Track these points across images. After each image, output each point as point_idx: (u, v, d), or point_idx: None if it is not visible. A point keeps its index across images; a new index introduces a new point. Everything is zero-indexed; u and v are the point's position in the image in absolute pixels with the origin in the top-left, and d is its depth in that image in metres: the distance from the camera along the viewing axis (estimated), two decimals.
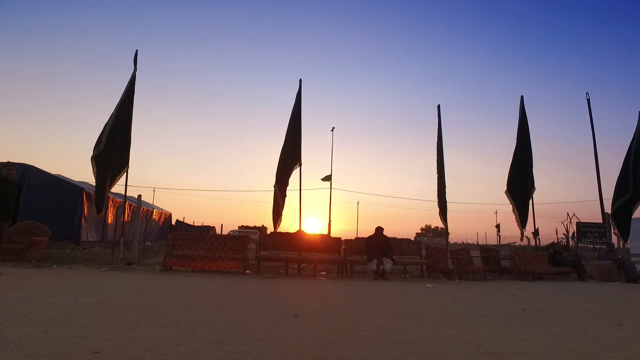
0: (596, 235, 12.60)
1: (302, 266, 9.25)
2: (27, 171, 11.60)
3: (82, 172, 24.04)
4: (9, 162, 6.38)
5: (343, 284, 7.33)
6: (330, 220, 24.02)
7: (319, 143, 78.36)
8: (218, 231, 27.89)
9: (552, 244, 17.27)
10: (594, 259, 11.50)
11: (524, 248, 16.83)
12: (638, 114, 12.54)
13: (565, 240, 19.44)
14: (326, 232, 22.13)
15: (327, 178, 21.56)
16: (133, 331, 2.84)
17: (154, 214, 18.16)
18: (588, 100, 13.31)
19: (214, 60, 73.71)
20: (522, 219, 11.66)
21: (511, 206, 11.78)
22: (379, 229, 9.04)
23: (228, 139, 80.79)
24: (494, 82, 73.63)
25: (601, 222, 12.76)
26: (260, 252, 8.84)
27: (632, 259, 10.75)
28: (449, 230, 12.31)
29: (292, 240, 9.27)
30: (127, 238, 12.48)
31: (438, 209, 11.61)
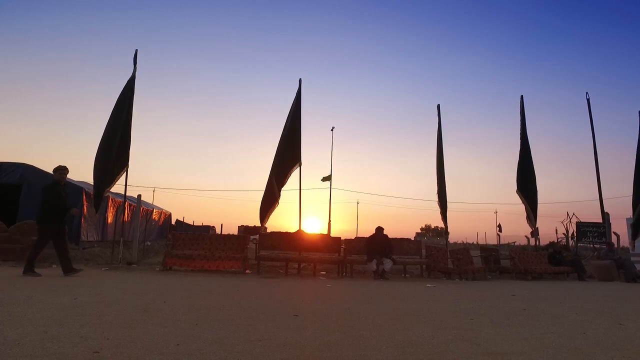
0: (596, 235, 12.59)
1: (302, 266, 9.25)
2: (27, 171, 11.59)
3: (82, 172, 23.99)
4: (60, 166, 6.46)
5: (343, 283, 7.33)
6: (330, 220, 24.02)
7: (319, 143, 78.30)
8: (218, 231, 27.88)
9: (552, 244, 17.28)
10: (594, 259, 11.50)
11: (523, 248, 16.84)
12: (638, 113, 12.56)
13: (565, 240, 19.43)
14: (326, 232, 22.13)
15: (327, 178, 21.54)
16: (133, 331, 2.84)
17: (154, 213, 18.16)
18: (588, 100, 13.32)
19: (214, 60, 73.72)
20: (534, 216, 11.73)
21: (523, 205, 11.84)
22: (379, 229, 9.03)
23: (228, 139, 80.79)
24: (494, 82, 73.62)
25: (601, 221, 12.76)
26: (260, 252, 8.84)
27: (632, 258, 10.75)
28: (448, 230, 12.31)
29: (292, 240, 9.26)
30: (127, 238, 12.47)
31: (439, 209, 11.60)
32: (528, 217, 11.81)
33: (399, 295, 5.83)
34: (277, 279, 7.49)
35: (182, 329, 2.97)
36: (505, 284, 8.58)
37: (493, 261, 10.50)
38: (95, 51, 64.49)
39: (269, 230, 10.88)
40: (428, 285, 7.52)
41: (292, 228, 11.77)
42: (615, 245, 11.52)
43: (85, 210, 11.24)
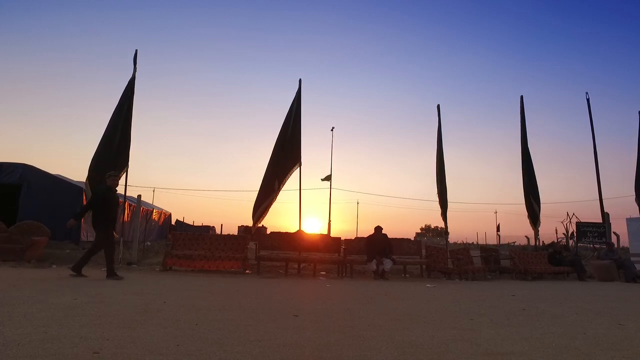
0: (596, 235, 12.60)
1: (301, 266, 9.25)
2: (26, 171, 11.60)
3: (82, 172, 23.85)
4: (112, 172, 6.60)
5: (343, 283, 7.34)
6: (330, 220, 24.02)
7: (319, 143, 78.29)
8: (218, 231, 27.86)
9: (552, 244, 17.28)
10: (594, 259, 11.50)
11: (523, 248, 16.84)
12: (638, 113, 12.57)
13: (565, 240, 19.43)
14: (326, 232, 22.12)
15: (327, 178, 21.54)
16: (133, 331, 2.84)
17: (154, 213, 18.15)
18: (588, 100, 13.33)
19: (214, 60, 73.70)
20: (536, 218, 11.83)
21: (526, 209, 11.96)
22: (378, 229, 9.03)
23: (228, 139, 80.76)
24: (494, 82, 73.59)
25: (601, 222, 12.77)
26: (260, 252, 8.84)
27: (632, 258, 10.76)
28: (448, 230, 12.32)
29: (292, 240, 9.26)
30: (127, 238, 12.46)
31: (440, 209, 11.60)
32: (532, 219, 11.87)
33: (399, 296, 5.83)
34: (277, 279, 7.49)
35: (182, 329, 2.97)
36: (505, 284, 8.58)
37: (493, 261, 10.50)
38: (95, 51, 64.44)
39: (268, 231, 10.85)
40: (428, 285, 7.52)
41: (292, 228, 11.78)
42: (615, 245, 11.52)
43: None
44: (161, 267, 8.14)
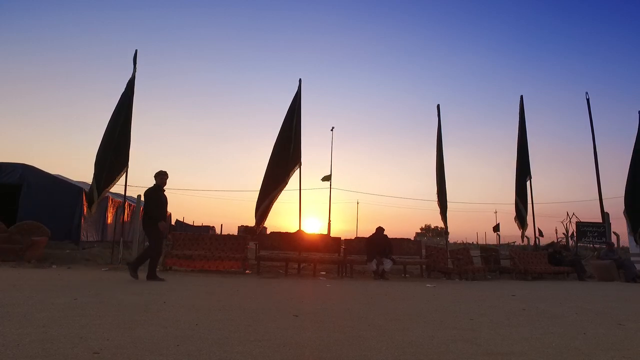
0: (596, 234, 12.60)
1: (301, 266, 9.25)
2: (26, 171, 11.59)
3: (82, 172, 23.93)
4: (161, 171, 6.53)
5: (343, 283, 7.33)
6: (330, 220, 24.03)
7: (319, 143, 78.27)
8: (218, 231, 27.85)
9: (552, 244, 17.27)
10: (594, 259, 11.51)
11: (523, 248, 16.83)
12: (638, 113, 12.57)
13: (564, 240, 19.42)
14: (326, 232, 22.10)
15: (327, 178, 21.51)
16: (133, 331, 2.83)
17: None
18: (588, 100, 13.33)
19: (213, 60, 73.71)
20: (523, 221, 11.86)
21: (514, 211, 11.98)
22: (380, 229, 9.03)
23: (228, 139, 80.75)
24: (493, 82, 73.63)
25: (601, 221, 12.77)
26: (260, 252, 8.84)
27: (632, 258, 10.76)
28: (448, 230, 12.32)
29: (292, 240, 9.26)
30: (127, 238, 12.47)
31: (439, 209, 11.60)
32: (519, 220, 11.92)
33: (399, 296, 5.83)
34: (277, 279, 7.49)
35: (182, 329, 2.97)
36: (505, 284, 8.58)
37: (493, 261, 10.50)
38: (95, 51, 64.47)
39: (268, 231, 10.84)
40: (428, 285, 7.52)
41: (292, 228, 11.77)
42: (615, 245, 11.52)
43: (85, 210, 11.24)
44: (161, 268, 8.14)
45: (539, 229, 12.50)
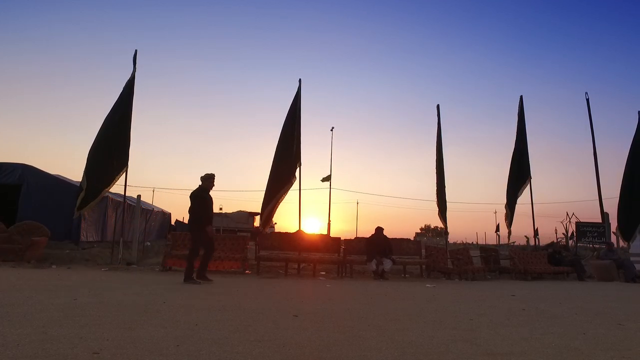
0: (595, 235, 12.61)
1: (301, 266, 9.25)
2: (26, 171, 11.60)
3: (82, 172, 23.85)
4: (209, 174, 6.50)
5: (343, 284, 7.33)
6: (329, 220, 24.02)
7: (319, 143, 78.34)
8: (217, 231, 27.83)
9: (552, 244, 17.30)
10: (594, 259, 11.51)
11: (523, 248, 16.84)
12: (638, 113, 12.57)
13: (564, 240, 19.46)
14: (326, 232, 22.08)
15: (327, 178, 21.49)
16: (132, 331, 2.83)
17: (154, 214, 18.15)
18: (587, 100, 13.33)
19: (213, 60, 73.74)
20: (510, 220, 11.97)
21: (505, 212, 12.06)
22: (379, 229, 9.04)
23: (228, 138, 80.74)
24: (493, 82, 73.70)
25: (600, 221, 12.77)
26: (260, 252, 8.84)
27: (632, 258, 10.76)
28: (448, 230, 12.33)
29: (292, 240, 9.26)
30: (127, 238, 12.46)
31: (437, 209, 11.61)
32: (508, 220, 12.01)
33: (399, 296, 5.83)
34: (276, 279, 7.49)
35: (182, 329, 2.97)
36: (504, 284, 8.58)
37: (493, 261, 10.50)
38: (95, 51, 64.47)
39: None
40: (428, 285, 7.52)
41: (292, 228, 11.78)
42: (615, 245, 11.53)
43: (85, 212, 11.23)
44: (161, 268, 8.14)
45: (536, 228, 12.51)
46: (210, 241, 6.41)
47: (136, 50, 9.76)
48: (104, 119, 9.38)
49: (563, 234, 20.07)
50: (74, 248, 10.36)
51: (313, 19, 69.99)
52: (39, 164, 14.00)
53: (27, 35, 59.11)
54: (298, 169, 10.48)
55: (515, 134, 12.73)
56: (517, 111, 12.75)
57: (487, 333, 3.28)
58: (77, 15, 60.38)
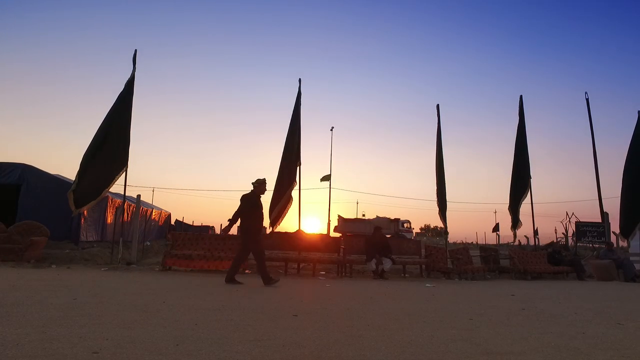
0: (595, 234, 12.61)
1: (301, 266, 9.25)
2: (26, 171, 11.59)
3: None
4: (260, 179, 6.57)
5: (342, 283, 7.33)
6: (329, 220, 24.05)
7: (319, 143, 78.42)
8: (217, 231, 27.83)
9: (551, 244, 17.31)
10: (593, 259, 11.52)
11: (522, 247, 16.85)
12: (638, 113, 12.57)
13: (564, 240, 19.46)
14: (325, 232, 22.10)
15: (326, 178, 21.52)
16: (132, 331, 2.84)
17: (153, 213, 18.16)
18: (587, 100, 13.33)
19: (213, 60, 73.80)
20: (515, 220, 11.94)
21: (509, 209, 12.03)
22: (378, 229, 9.04)
23: (228, 138, 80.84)
24: (493, 82, 73.76)
25: (600, 221, 12.78)
26: None
27: (631, 258, 10.77)
28: (448, 230, 12.33)
29: (292, 240, 9.26)
30: (127, 238, 12.47)
31: (438, 209, 11.61)
32: (513, 222, 12.00)
33: (399, 295, 5.83)
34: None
35: (182, 329, 2.97)
36: (504, 283, 8.59)
37: (492, 261, 10.51)
38: (95, 51, 64.45)
39: (268, 231, 10.84)
40: (427, 285, 7.52)
41: (292, 228, 11.78)
42: (615, 245, 11.54)
43: (85, 212, 11.23)
44: (160, 267, 8.14)
45: (536, 228, 12.52)
46: (262, 249, 6.48)
47: (136, 50, 9.75)
48: (103, 118, 9.36)
49: (563, 233, 20.08)
50: (73, 248, 10.36)
51: (313, 19, 70.01)
52: (39, 164, 13.98)
53: (27, 35, 59.10)
54: (298, 168, 10.48)
55: (515, 133, 12.74)
56: (517, 111, 12.77)
57: (486, 332, 3.28)
58: (77, 15, 60.38)
